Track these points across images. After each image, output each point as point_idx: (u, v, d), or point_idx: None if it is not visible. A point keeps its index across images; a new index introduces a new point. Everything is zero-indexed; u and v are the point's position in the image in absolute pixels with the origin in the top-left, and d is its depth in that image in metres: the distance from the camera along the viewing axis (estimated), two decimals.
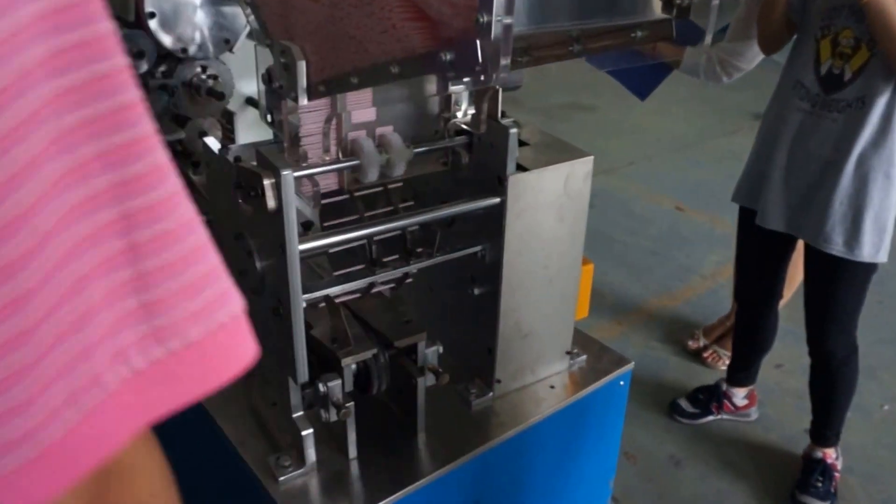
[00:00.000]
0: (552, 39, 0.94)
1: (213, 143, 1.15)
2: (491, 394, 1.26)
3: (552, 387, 1.31)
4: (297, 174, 0.92)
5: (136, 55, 1.51)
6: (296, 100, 0.96)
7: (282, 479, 1.07)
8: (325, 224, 1.07)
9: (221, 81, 1.70)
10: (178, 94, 1.61)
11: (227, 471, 1.20)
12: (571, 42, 0.92)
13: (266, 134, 1.97)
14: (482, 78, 0.70)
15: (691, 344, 2.60)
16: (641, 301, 3.02)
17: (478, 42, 0.70)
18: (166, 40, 1.51)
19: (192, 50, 1.57)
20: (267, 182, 0.89)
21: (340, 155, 1.08)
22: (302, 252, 0.94)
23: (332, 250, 1.04)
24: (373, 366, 1.08)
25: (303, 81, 0.95)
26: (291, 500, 1.05)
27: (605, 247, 3.43)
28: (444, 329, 1.36)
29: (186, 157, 1.78)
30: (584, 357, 1.37)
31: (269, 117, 1.10)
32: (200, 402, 1.22)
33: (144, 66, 1.55)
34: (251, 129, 1.84)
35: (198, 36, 1.58)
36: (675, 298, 3.06)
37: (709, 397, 2.33)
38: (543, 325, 1.27)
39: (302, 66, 0.94)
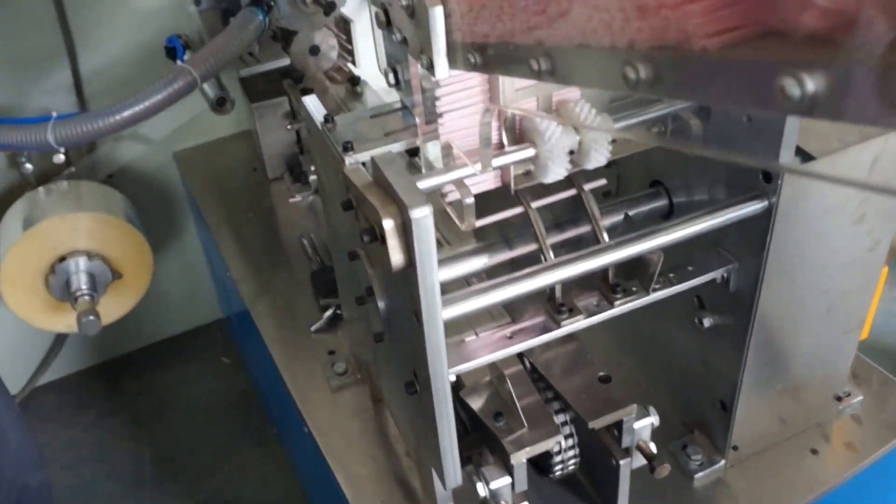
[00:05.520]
0: None
1: (313, 105, 0.84)
2: (722, 462, 0.92)
3: (814, 451, 0.94)
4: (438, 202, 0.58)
5: None
6: (430, 66, 0.61)
7: None
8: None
9: None
10: (278, 6, 1.28)
11: None
12: None
13: None
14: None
15: None
16: None
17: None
18: None
19: None
20: (388, 225, 0.57)
21: (505, 139, 0.72)
22: (446, 321, 0.63)
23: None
24: (558, 452, 0.78)
25: (440, 42, 0.59)
26: None
27: None
28: (644, 362, 1.02)
29: (297, 81, 1.49)
30: (859, 399, 0.98)
31: (390, 76, 0.76)
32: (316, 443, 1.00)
33: None
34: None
35: None
36: None
37: None
38: (808, 367, 0.89)
39: (439, 17, 0.58)
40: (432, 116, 0.76)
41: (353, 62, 1.50)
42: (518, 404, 0.75)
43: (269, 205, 1.50)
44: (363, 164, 0.74)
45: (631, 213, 0.85)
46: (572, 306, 0.74)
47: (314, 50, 1.46)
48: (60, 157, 1.46)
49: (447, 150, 0.71)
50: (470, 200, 0.68)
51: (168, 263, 1.77)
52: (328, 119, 0.79)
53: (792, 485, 0.91)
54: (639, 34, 0.36)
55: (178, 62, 1.10)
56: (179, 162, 1.66)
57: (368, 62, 1.51)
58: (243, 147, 1.69)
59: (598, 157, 0.71)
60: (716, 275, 0.79)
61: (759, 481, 0.92)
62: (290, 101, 1.46)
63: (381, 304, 0.73)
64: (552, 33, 0.44)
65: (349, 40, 1.48)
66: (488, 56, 0.54)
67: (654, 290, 0.76)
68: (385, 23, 0.72)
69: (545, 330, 0.73)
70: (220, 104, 1.30)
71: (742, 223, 0.75)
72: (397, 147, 0.77)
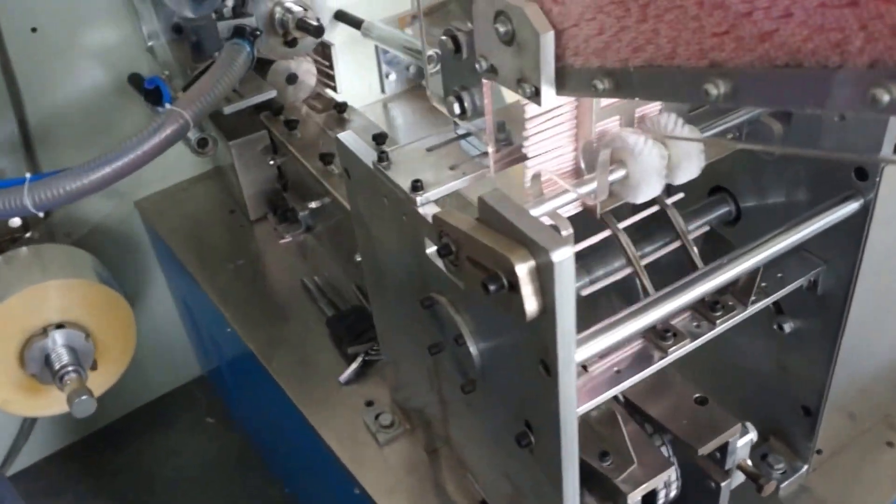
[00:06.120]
0: None
1: (354, 141, 0.80)
2: (805, 468, 0.93)
3: (890, 443, 0.96)
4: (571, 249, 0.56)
5: None
6: (534, 95, 0.59)
7: None
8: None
9: (312, 4, 1.31)
10: (263, 36, 1.23)
11: None
12: None
13: (367, 61, 1.60)
14: None
15: None
16: None
17: None
18: None
19: None
20: (522, 271, 0.54)
21: (583, 163, 0.71)
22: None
23: None
24: (665, 486, 0.77)
25: (550, 69, 0.57)
26: None
27: None
28: (705, 372, 1.01)
29: (275, 113, 1.44)
30: None
31: (455, 105, 0.73)
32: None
33: (216, 5, 1.18)
34: (348, 55, 1.46)
35: None
36: None
37: None
38: (885, 361, 0.91)
39: (551, 44, 0.55)
40: (503, 143, 0.74)
41: (334, 88, 1.46)
42: (629, 443, 0.73)
43: (256, 249, 1.43)
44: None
45: (700, 222, 0.85)
46: (675, 330, 0.72)
47: (291, 78, 1.42)
48: (17, 221, 1.36)
49: (536, 179, 0.69)
50: (570, 231, 0.66)
51: (138, 324, 1.67)
52: (383, 157, 0.75)
53: (877, 480, 0.92)
54: (890, 52, 0.35)
55: (167, 105, 1.03)
56: (143, 211, 1.57)
57: (349, 86, 1.48)
58: (211, 188, 1.62)
59: (691, 170, 0.70)
60: (805, 279, 0.79)
61: (843, 482, 0.93)
62: (270, 134, 1.41)
63: (474, 353, 0.70)
64: (740, 54, 0.42)
65: (329, 66, 1.44)
66: (626, 81, 0.52)
67: (753, 302, 0.75)
68: (454, 50, 0.69)
69: (651, 358, 0.72)
70: (201, 146, 1.23)
71: (831, 227, 0.75)
72: (466, 181, 0.74)
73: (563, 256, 0.52)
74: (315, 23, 1.24)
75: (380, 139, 1.20)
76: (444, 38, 0.70)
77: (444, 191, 0.72)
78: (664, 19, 0.48)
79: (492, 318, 0.65)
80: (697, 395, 0.80)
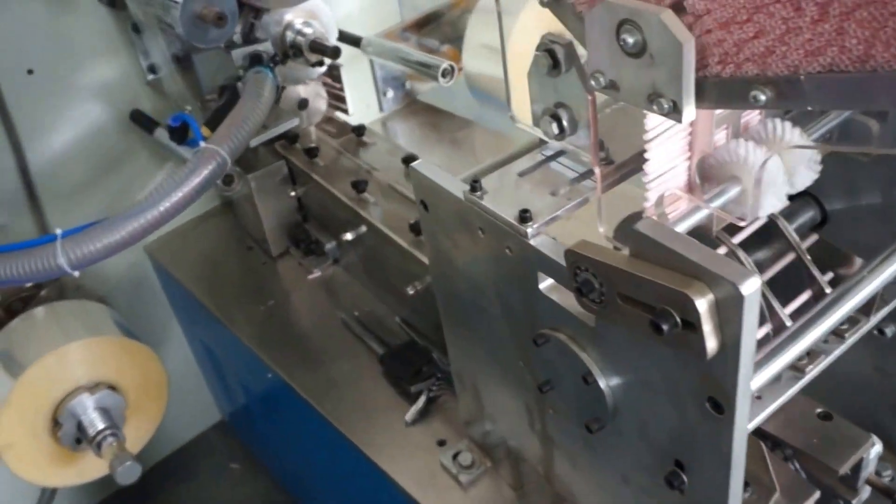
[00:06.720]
0: None
1: (434, 171, 0.75)
2: None
3: None
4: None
5: (217, 19, 1.07)
6: (673, 110, 0.54)
7: None
8: None
9: (322, 25, 1.26)
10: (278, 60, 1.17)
11: None
12: None
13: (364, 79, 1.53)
14: None
15: None
16: None
17: None
18: None
19: None
20: (703, 307, 0.49)
21: (697, 178, 0.66)
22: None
23: None
24: None
25: (691, 82, 0.52)
26: None
27: None
28: None
29: (291, 141, 1.37)
30: None
31: (553, 125, 0.68)
32: None
33: (231, 33, 1.11)
34: (349, 75, 1.40)
35: None
36: None
37: None
38: None
39: (691, 53, 0.51)
40: (604, 162, 0.69)
41: (346, 111, 1.40)
42: (772, 471, 0.68)
43: (284, 287, 1.36)
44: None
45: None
46: (808, 349, 0.68)
47: (303, 104, 1.36)
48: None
49: (660, 200, 0.64)
50: None
51: None
52: (476, 186, 0.70)
53: None
54: None
55: (201, 143, 0.96)
56: (154, 254, 1.49)
57: (360, 108, 1.42)
58: (221, 225, 1.54)
59: (808, 176, 0.66)
60: None
61: None
62: (288, 164, 1.34)
63: (605, 390, 0.65)
64: None
65: (340, 88, 1.38)
66: (796, 90, 0.47)
67: (875, 311, 0.72)
68: (552, 65, 0.65)
69: (789, 380, 0.68)
70: (227, 182, 1.17)
71: None
72: (573, 207, 0.69)
73: (752, 288, 0.47)
74: (330, 44, 1.19)
75: (409, 161, 1.15)
76: (538, 53, 0.66)
77: (552, 220, 0.67)
78: (853, 17, 0.43)
79: (627, 355, 0.60)
80: (819, 409, 0.76)
